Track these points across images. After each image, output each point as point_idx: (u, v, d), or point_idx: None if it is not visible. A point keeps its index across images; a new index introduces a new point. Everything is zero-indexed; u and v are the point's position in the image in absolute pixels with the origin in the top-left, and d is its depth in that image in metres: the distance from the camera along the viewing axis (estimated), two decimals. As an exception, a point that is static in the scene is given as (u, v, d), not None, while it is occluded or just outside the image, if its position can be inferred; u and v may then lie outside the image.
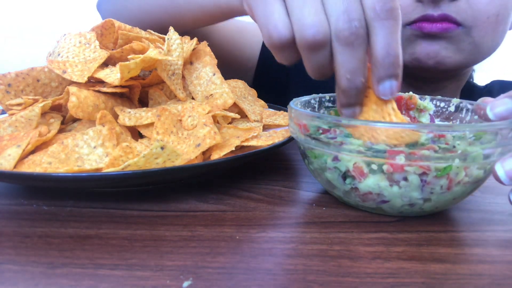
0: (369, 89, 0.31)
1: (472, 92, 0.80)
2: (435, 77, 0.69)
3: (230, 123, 0.44)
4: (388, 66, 0.29)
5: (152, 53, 0.38)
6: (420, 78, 0.70)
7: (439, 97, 0.41)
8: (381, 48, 0.29)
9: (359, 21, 0.29)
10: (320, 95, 0.41)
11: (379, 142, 0.28)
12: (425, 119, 0.41)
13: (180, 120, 0.39)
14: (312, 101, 0.40)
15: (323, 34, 0.30)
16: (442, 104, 0.40)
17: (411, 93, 0.41)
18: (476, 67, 0.84)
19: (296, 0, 0.31)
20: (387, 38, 0.29)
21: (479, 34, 0.59)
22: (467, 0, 0.57)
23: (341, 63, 0.30)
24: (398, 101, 0.41)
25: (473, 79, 0.87)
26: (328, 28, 0.30)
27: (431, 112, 0.41)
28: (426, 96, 0.41)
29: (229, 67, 0.72)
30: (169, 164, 0.32)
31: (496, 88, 0.81)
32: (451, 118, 0.40)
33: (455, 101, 0.39)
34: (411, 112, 0.41)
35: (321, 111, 0.41)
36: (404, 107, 0.41)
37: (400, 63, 0.30)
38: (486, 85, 0.84)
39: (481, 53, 0.63)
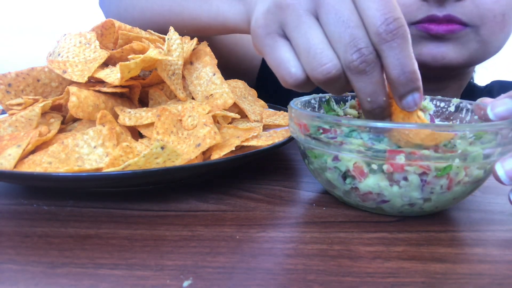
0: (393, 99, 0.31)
1: (472, 92, 0.80)
2: (438, 76, 0.69)
3: (230, 123, 0.44)
4: (406, 83, 0.29)
5: (152, 53, 0.38)
6: (424, 76, 0.70)
7: (439, 97, 0.41)
8: (395, 68, 0.29)
9: (366, 48, 0.29)
10: (320, 95, 0.41)
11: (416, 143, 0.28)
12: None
13: (180, 120, 0.39)
14: (312, 101, 0.40)
15: (335, 69, 0.30)
16: (442, 104, 0.40)
17: None
18: (477, 66, 0.84)
19: (301, 41, 0.31)
20: (398, 57, 0.28)
21: (487, 33, 0.59)
22: (472, 0, 0.56)
23: (359, 89, 0.30)
24: None
25: (473, 79, 0.87)
26: (338, 62, 0.30)
27: (431, 112, 0.41)
28: (426, 96, 0.41)
29: (233, 65, 0.72)
30: (169, 164, 0.32)
31: (496, 88, 0.81)
32: (451, 118, 0.40)
33: (455, 101, 0.39)
34: None
35: (321, 110, 0.41)
36: None
37: (418, 76, 0.29)
38: (486, 85, 0.84)
39: (487, 52, 0.63)
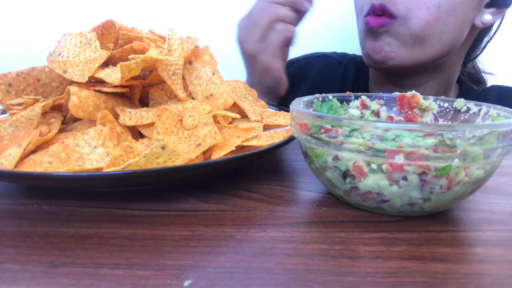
0: None
1: (469, 95, 0.81)
2: (409, 73, 0.72)
3: (230, 123, 0.44)
4: None
5: (153, 53, 0.38)
6: (395, 73, 0.74)
7: (443, 97, 0.41)
8: None
9: None
10: (323, 94, 0.41)
11: None
12: (428, 118, 0.41)
13: (181, 120, 0.39)
14: (315, 101, 0.40)
15: None
16: (446, 105, 0.40)
17: (413, 91, 0.41)
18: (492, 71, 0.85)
19: None
20: None
21: (418, 25, 0.62)
22: None
23: None
24: (401, 99, 0.41)
25: (486, 84, 0.88)
26: None
27: (435, 112, 0.41)
28: (430, 96, 0.41)
29: None
30: (169, 164, 0.32)
31: (493, 94, 0.81)
32: (456, 118, 0.40)
33: (459, 101, 0.39)
34: (415, 110, 0.41)
35: (311, 109, 0.41)
36: (407, 105, 0.41)
37: None
38: (484, 89, 0.84)
39: (430, 46, 0.65)
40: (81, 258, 0.25)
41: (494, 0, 0.66)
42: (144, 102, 0.45)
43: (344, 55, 0.91)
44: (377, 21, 0.64)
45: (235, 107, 0.46)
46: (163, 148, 0.31)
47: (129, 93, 0.43)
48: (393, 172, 0.29)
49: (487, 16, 0.67)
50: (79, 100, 0.36)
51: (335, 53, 0.93)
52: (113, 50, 0.45)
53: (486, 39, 0.78)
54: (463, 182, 0.29)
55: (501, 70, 0.91)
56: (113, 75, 0.39)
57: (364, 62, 0.72)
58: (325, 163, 0.32)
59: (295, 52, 0.96)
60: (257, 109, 0.49)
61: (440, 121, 0.40)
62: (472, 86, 0.83)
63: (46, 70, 0.41)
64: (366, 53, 0.69)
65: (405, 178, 0.29)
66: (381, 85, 0.79)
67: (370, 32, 0.66)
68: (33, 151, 0.34)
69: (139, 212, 0.32)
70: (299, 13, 0.65)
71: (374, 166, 0.29)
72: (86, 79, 0.38)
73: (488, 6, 0.66)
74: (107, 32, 0.46)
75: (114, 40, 0.46)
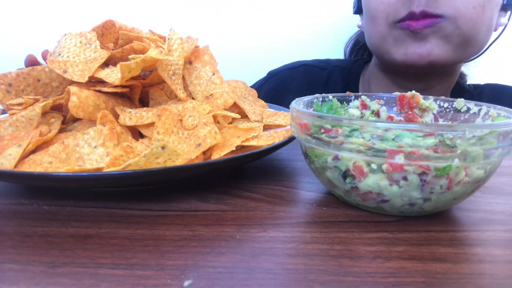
0: None
1: (462, 93, 0.81)
2: (425, 74, 0.70)
3: (230, 123, 0.44)
4: None
5: (153, 53, 0.38)
6: (410, 76, 0.71)
7: (443, 97, 0.41)
8: None
9: None
10: (323, 94, 0.41)
11: None
12: (428, 118, 0.41)
13: (181, 120, 0.39)
14: (315, 101, 0.40)
15: None
16: (446, 105, 0.40)
17: (413, 91, 0.41)
18: (472, 64, 0.85)
19: None
20: None
21: (467, 26, 0.60)
22: None
23: None
24: (401, 99, 0.41)
25: (466, 80, 0.88)
26: None
27: (435, 112, 0.41)
28: (430, 97, 0.41)
29: None
30: (169, 164, 0.32)
31: (487, 92, 0.81)
32: (456, 118, 0.40)
33: (459, 101, 0.39)
34: (415, 110, 0.41)
35: (311, 109, 0.41)
36: (407, 105, 0.41)
37: None
38: (477, 87, 0.83)
39: (471, 47, 0.64)
40: (81, 258, 0.25)
41: (506, 4, 0.66)
42: (144, 102, 0.45)
43: (327, 62, 0.89)
44: (421, 22, 0.59)
45: (235, 107, 0.46)
46: (163, 148, 0.31)
47: (129, 93, 0.43)
48: (393, 172, 0.29)
49: (503, 20, 0.67)
50: (79, 100, 0.36)
51: (316, 60, 0.90)
52: (113, 50, 0.45)
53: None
54: (463, 182, 0.29)
55: (497, 69, 0.91)
56: (113, 75, 0.39)
57: (398, 65, 0.67)
58: (325, 163, 0.32)
59: (292, 56, 0.96)
60: (257, 109, 0.49)
61: (440, 121, 0.40)
62: (464, 85, 0.83)
63: (46, 70, 0.41)
64: (410, 58, 0.63)
65: (405, 178, 0.29)
66: (385, 88, 0.77)
67: (412, 36, 0.62)
68: (33, 151, 0.34)
69: (139, 212, 0.32)
70: None
71: (374, 166, 0.29)
72: (86, 79, 0.38)
73: (500, 9, 0.67)
74: (107, 32, 0.46)
75: (114, 40, 0.46)
